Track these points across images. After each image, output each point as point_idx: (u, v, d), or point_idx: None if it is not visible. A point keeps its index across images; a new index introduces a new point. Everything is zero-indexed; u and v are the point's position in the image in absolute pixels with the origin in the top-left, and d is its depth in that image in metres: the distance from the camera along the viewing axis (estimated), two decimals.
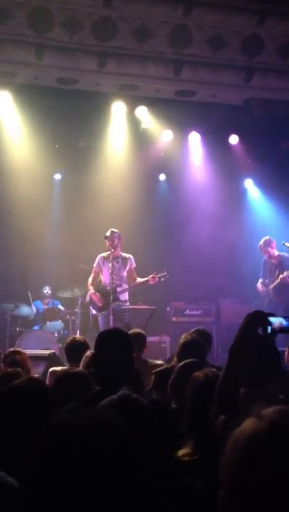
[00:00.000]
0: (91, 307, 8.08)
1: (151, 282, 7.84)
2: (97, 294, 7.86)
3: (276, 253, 8.58)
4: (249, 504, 0.90)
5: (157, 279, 7.82)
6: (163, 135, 9.91)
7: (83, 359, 4.05)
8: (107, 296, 7.70)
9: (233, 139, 10.05)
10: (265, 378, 2.23)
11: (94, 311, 8.02)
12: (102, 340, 2.91)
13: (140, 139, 9.83)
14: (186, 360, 3.00)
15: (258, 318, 1.94)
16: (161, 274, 7.88)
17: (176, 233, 9.91)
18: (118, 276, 7.72)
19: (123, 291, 7.84)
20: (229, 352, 1.95)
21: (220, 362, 8.07)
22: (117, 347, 2.81)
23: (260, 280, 8.71)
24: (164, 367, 3.49)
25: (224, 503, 0.95)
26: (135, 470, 0.92)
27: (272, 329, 1.93)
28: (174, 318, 9.34)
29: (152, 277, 7.80)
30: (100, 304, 7.84)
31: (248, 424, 0.97)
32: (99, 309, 7.88)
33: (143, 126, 9.70)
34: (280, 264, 8.50)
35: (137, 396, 1.76)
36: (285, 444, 0.92)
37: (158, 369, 3.57)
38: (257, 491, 0.90)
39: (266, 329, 1.92)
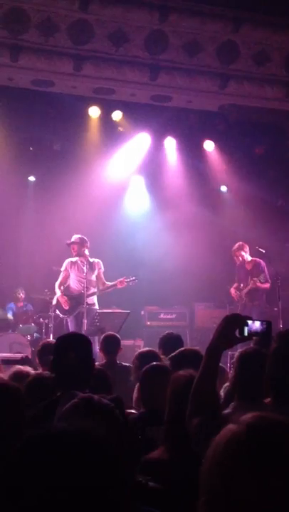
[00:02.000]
0: (57, 310, 8.07)
1: (119, 286, 7.91)
2: (64, 297, 7.88)
3: (249, 258, 8.63)
4: (230, 509, 0.91)
5: (126, 283, 7.87)
6: (139, 139, 9.93)
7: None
8: (74, 299, 7.77)
9: (209, 145, 10.13)
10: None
11: (61, 315, 8.02)
12: (60, 345, 2.89)
13: (116, 143, 9.84)
14: (153, 364, 3.01)
15: (236, 320, 1.96)
16: (130, 279, 7.94)
17: (150, 237, 9.93)
18: (86, 280, 7.73)
19: (91, 294, 7.86)
20: (206, 352, 1.96)
21: None
22: (76, 351, 2.78)
23: (235, 285, 8.77)
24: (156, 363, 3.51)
25: (205, 509, 0.95)
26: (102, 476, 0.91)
27: (249, 332, 1.96)
28: (148, 322, 9.36)
29: (120, 281, 7.87)
30: (67, 307, 7.87)
31: (227, 430, 0.98)
32: (65, 312, 7.91)
33: (119, 130, 9.71)
34: (253, 270, 8.57)
35: (99, 398, 1.75)
36: (261, 446, 0.93)
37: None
38: (237, 494, 0.91)
39: (243, 332, 1.95)
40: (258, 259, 8.59)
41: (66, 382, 2.66)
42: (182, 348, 3.64)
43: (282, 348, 2.23)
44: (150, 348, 4.43)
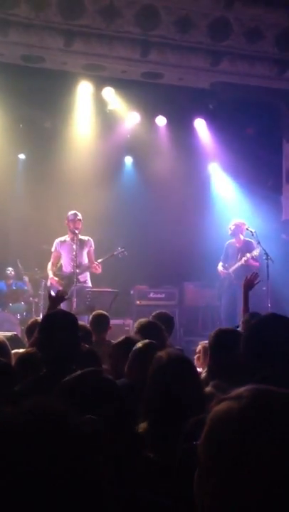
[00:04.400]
0: (51, 291, 8.06)
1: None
2: (56, 278, 7.87)
3: (242, 238, 8.66)
4: (226, 484, 0.92)
5: (114, 256, 8.01)
6: (130, 117, 9.85)
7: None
8: (66, 279, 7.76)
9: (199, 123, 10.07)
10: None
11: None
12: (47, 322, 2.90)
13: (106, 120, 9.76)
14: (145, 341, 3.03)
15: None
16: (119, 251, 8.00)
17: (141, 216, 9.91)
18: (77, 258, 7.72)
19: (82, 272, 7.85)
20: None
21: (182, 344, 8.17)
22: (64, 328, 2.79)
23: (221, 263, 8.78)
24: (124, 338, 3.52)
25: (202, 485, 0.96)
26: (72, 467, 0.89)
27: None
28: (138, 302, 9.39)
29: (108, 257, 7.93)
30: (60, 288, 7.86)
31: (221, 406, 0.98)
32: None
33: (109, 107, 9.62)
34: (243, 248, 8.59)
35: (102, 372, 1.77)
36: (256, 420, 0.93)
37: (117, 341, 3.60)
38: (233, 470, 0.91)
39: None
40: (249, 240, 8.61)
41: (53, 360, 2.68)
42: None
43: (258, 327, 2.26)
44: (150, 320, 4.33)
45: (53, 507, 0.86)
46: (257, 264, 8.26)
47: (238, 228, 8.61)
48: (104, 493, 0.95)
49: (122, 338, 3.54)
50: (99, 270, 7.90)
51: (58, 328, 2.78)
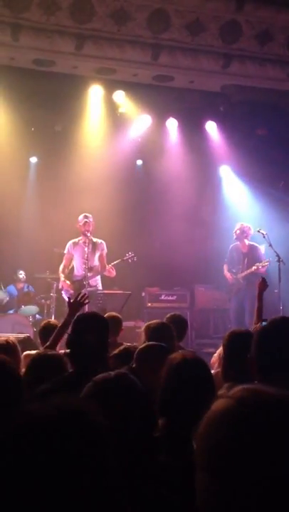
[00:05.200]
0: (63, 294, 8.11)
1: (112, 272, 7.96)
2: (67, 282, 7.90)
3: (247, 242, 8.65)
4: (225, 482, 0.92)
5: (124, 261, 7.98)
6: (140, 120, 9.87)
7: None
8: (77, 282, 7.78)
9: (210, 126, 10.07)
10: None
11: (66, 298, 8.05)
12: (80, 324, 2.93)
13: (117, 123, 9.78)
14: (149, 343, 3.04)
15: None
16: (129, 256, 8.01)
17: (152, 219, 9.92)
18: (88, 261, 7.74)
19: (93, 276, 7.87)
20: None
21: (194, 347, 8.16)
22: (95, 331, 2.83)
23: (227, 267, 8.78)
24: (124, 347, 3.55)
25: (202, 484, 0.96)
26: (99, 464, 0.90)
27: None
28: (149, 304, 9.40)
29: (120, 261, 7.93)
30: (71, 291, 7.88)
31: (218, 405, 0.99)
32: (70, 295, 7.93)
33: (120, 110, 9.65)
34: (250, 253, 8.57)
35: (133, 377, 1.77)
36: (253, 419, 0.94)
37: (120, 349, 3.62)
38: (231, 469, 0.92)
39: None
40: (255, 244, 8.60)
41: (82, 360, 2.73)
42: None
43: (270, 331, 2.26)
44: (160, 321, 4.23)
45: (76, 502, 0.87)
46: (264, 270, 8.28)
47: (244, 232, 8.58)
48: (123, 492, 0.95)
49: (121, 348, 3.58)
50: (113, 273, 7.92)
51: (89, 330, 2.82)
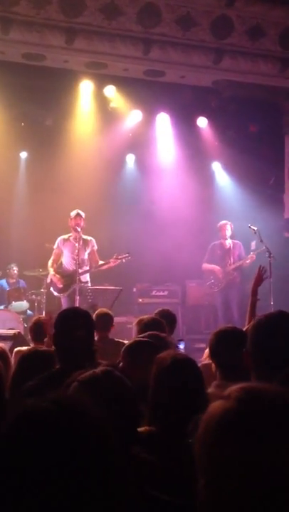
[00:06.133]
0: (52, 289, 8.07)
1: (113, 264, 7.88)
2: (57, 276, 7.87)
3: (228, 239, 8.95)
4: (227, 485, 0.91)
5: (118, 261, 7.87)
6: (131, 115, 9.84)
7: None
8: (67, 277, 7.75)
9: (202, 121, 10.06)
10: None
11: (55, 293, 8.03)
12: (64, 320, 2.90)
13: (108, 118, 9.74)
14: (136, 339, 3.02)
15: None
16: (123, 256, 7.91)
17: (143, 214, 9.90)
18: (79, 257, 7.70)
19: (84, 272, 7.84)
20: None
21: (185, 342, 8.15)
22: (81, 327, 2.81)
23: (207, 265, 9.01)
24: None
25: (206, 490, 0.95)
26: (99, 456, 0.90)
27: None
28: (140, 299, 9.39)
29: (114, 259, 7.85)
30: (60, 286, 7.86)
31: (216, 406, 0.98)
32: (59, 291, 7.91)
33: (111, 105, 9.61)
34: (232, 250, 8.89)
35: (119, 373, 1.76)
36: (252, 420, 0.93)
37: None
38: (232, 471, 0.91)
39: None
40: (237, 242, 8.94)
41: (69, 356, 2.70)
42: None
43: (267, 326, 2.23)
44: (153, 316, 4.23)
45: (75, 495, 0.86)
46: (247, 265, 8.63)
47: (224, 230, 8.91)
48: (123, 486, 0.95)
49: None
50: (117, 262, 7.90)
51: (73, 326, 2.80)
